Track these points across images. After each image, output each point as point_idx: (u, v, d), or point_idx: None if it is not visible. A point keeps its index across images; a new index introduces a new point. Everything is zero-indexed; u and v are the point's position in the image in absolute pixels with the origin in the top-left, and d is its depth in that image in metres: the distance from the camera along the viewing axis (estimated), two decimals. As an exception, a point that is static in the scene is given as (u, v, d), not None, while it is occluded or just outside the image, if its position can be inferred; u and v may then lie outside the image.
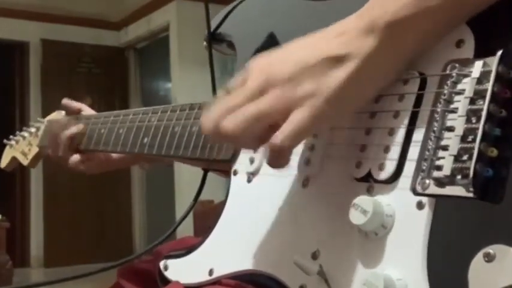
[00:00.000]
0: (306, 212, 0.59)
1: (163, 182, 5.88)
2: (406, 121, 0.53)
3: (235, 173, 0.70)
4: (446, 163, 0.48)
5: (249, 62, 0.57)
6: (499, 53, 0.48)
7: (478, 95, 0.48)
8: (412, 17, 0.50)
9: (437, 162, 0.49)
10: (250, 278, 0.63)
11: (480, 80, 0.48)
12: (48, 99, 5.76)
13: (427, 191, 0.49)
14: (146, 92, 6.73)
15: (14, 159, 1.29)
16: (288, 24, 0.71)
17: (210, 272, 0.66)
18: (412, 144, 0.52)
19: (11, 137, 1.31)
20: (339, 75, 0.51)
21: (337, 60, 0.52)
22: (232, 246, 0.66)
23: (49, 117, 1.24)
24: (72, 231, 6.03)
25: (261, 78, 0.54)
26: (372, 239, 0.51)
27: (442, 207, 0.48)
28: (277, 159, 0.53)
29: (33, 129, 1.25)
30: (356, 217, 0.51)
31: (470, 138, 0.47)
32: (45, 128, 1.20)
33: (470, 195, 0.46)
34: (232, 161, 0.71)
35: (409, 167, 0.51)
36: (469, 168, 0.46)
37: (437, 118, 0.50)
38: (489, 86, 0.47)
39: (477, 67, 0.48)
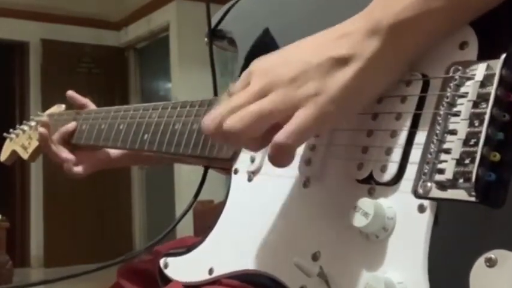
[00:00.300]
0: (306, 212, 0.59)
1: (163, 182, 5.88)
2: (408, 123, 0.53)
3: (235, 171, 0.70)
4: (449, 167, 0.47)
5: (250, 65, 0.57)
6: (503, 56, 0.47)
7: (481, 98, 0.48)
8: (415, 18, 0.50)
9: (440, 166, 0.49)
10: (250, 278, 0.63)
11: (483, 83, 0.48)
12: (48, 99, 5.74)
13: (429, 194, 0.49)
14: (146, 92, 6.73)
15: (13, 152, 1.28)
16: (289, 21, 0.70)
17: (210, 271, 0.66)
18: (414, 146, 0.52)
19: (11, 130, 1.30)
20: (343, 75, 0.51)
21: (341, 61, 0.52)
22: (232, 245, 0.66)
23: (49, 111, 1.24)
24: (72, 231, 6.04)
25: (264, 79, 0.54)
26: (373, 241, 0.51)
27: (443, 210, 0.48)
28: (281, 158, 0.53)
29: (33, 123, 1.24)
30: (357, 219, 0.51)
31: (472, 142, 0.47)
32: (45, 122, 1.20)
33: (472, 199, 0.46)
34: (233, 159, 0.70)
35: (411, 170, 0.51)
36: (471, 172, 0.46)
37: (440, 121, 0.50)
38: (492, 89, 0.47)
39: (480, 70, 0.48)
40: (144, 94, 6.72)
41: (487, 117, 0.46)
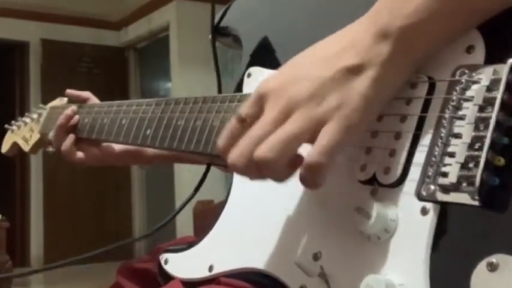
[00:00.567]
0: (308, 212, 0.59)
1: (163, 182, 5.88)
2: (413, 125, 0.52)
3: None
4: (453, 170, 0.47)
5: (258, 86, 0.55)
6: (510, 61, 0.47)
7: (487, 102, 0.47)
8: (424, 22, 0.50)
9: (444, 169, 0.48)
10: (249, 276, 0.63)
11: (489, 88, 0.48)
12: (48, 99, 5.69)
13: (432, 197, 0.49)
14: (146, 91, 6.73)
15: (15, 144, 1.27)
16: (295, 18, 0.70)
17: (210, 268, 0.66)
18: (418, 149, 0.52)
19: (13, 122, 1.29)
20: (361, 84, 0.51)
21: (355, 69, 0.51)
22: (232, 243, 0.66)
23: (51, 104, 1.23)
24: (72, 231, 6.03)
25: (281, 102, 0.52)
26: (375, 243, 0.51)
27: (446, 214, 0.48)
28: (315, 178, 0.51)
29: (35, 115, 1.23)
30: (359, 220, 0.51)
31: (477, 146, 0.47)
32: (47, 115, 1.19)
33: (476, 203, 0.46)
34: None
35: (415, 172, 0.51)
36: (475, 176, 0.46)
37: (445, 124, 0.50)
38: (498, 94, 0.47)
39: (487, 74, 0.48)
40: (144, 94, 6.72)
41: (492, 121, 0.46)
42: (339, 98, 0.51)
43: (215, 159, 0.79)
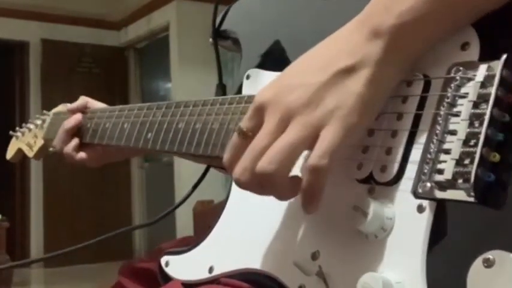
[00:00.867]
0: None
1: (163, 182, 5.88)
2: (409, 123, 0.52)
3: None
4: (448, 167, 0.47)
5: (255, 98, 0.55)
6: (504, 57, 0.48)
7: (482, 99, 0.48)
8: (417, 20, 0.50)
9: (439, 166, 0.49)
10: (249, 277, 0.63)
11: (484, 84, 0.48)
12: (48, 99, 5.76)
13: (428, 195, 0.49)
14: (146, 91, 6.73)
15: (19, 150, 1.29)
16: (294, 22, 0.70)
17: (210, 270, 0.66)
18: (414, 146, 0.52)
19: (17, 128, 1.31)
20: (356, 83, 0.51)
21: (349, 70, 0.51)
22: (232, 244, 0.66)
23: (55, 110, 1.24)
24: (72, 231, 6.03)
25: (279, 111, 0.53)
26: (372, 241, 0.51)
27: (442, 211, 0.48)
28: (318, 181, 0.51)
29: (39, 122, 1.25)
30: (356, 219, 0.51)
31: (472, 142, 0.47)
32: (51, 121, 1.20)
33: (471, 199, 0.46)
34: None
35: (411, 170, 0.51)
36: (470, 173, 0.46)
37: (440, 121, 0.50)
38: (493, 90, 0.47)
39: (481, 71, 0.48)
40: (144, 94, 6.72)
41: (487, 117, 0.46)
42: (335, 100, 0.51)
43: (215, 161, 0.80)
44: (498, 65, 0.48)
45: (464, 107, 0.48)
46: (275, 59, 0.71)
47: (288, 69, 0.56)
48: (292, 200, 0.60)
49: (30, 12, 6.11)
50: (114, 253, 5.34)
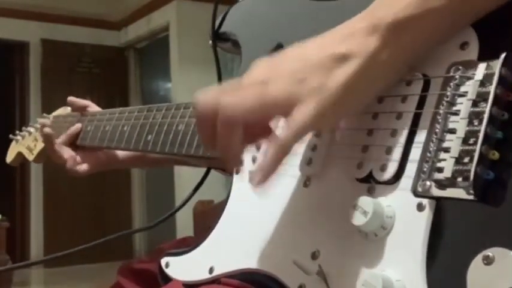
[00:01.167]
0: (306, 211, 0.59)
1: (163, 182, 5.88)
2: (408, 122, 0.53)
3: (237, 171, 0.70)
4: (448, 165, 0.48)
5: (252, 64, 0.57)
6: (503, 55, 0.48)
7: (481, 97, 0.48)
8: (415, 18, 0.50)
9: (439, 164, 0.49)
10: (249, 277, 0.63)
11: (483, 83, 0.48)
12: (48, 99, 5.76)
13: (428, 193, 0.49)
14: (146, 92, 6.74)
15: (19, 154, 1.30)
16: (294, 24, 0.71)
17: (210, 270, 0.67)
18: (414, 145, 0.52)
19: (17, 132, 1.31)
20: (342, 73, 0.51)
21: (341, 58, 0.52)
22: (232, 244, 0.66)
23: (55, 113, 1.25)
24: (72, 231, 6.03)
25: (267, 70, 0.54)
26: (372, 240, 0.51)
27: (442, 209, 0.48)
28: (277, 155, 0.52)
29: (39, 125, 1.25)
30: (356, 218, 0.51)
31: (472, 140, 0.47)
32: (51, 124, 1.20)
33: (471, 197, 0.46)
34: None
35: (411, 169, 0.51)
36: (469, 171, 0.46)
37: (440, 120, 0.50)
38: (492, 88, 0.47)
39: (480, 69, 0.49)
40: (144, 94, 6.72)
41: (486, 116, 0.47)
42: (319, 82, 0.51)
43: (215, 163, 0.80)
44: (497, 64, 0.48)
45: (463, 105, 0.49)
46: None
47: (294, 46, 0.57)
48: (292, 200, 0.61)
49: (30, 12, 6.11)
50: (114, 253, 5.34)
